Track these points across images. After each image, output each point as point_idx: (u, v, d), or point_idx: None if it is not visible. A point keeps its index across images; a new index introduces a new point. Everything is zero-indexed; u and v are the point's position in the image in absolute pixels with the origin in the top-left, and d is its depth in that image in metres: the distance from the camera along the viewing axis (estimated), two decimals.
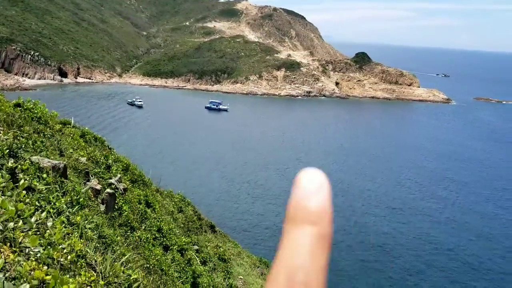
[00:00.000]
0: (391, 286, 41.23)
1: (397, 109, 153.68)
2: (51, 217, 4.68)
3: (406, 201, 63.74)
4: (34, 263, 3.42)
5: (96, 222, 6.41)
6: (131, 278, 5.08)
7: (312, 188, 0.66)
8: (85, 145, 11.91)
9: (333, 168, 77.60)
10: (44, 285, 3.25)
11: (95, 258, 4.64)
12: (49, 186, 5.70)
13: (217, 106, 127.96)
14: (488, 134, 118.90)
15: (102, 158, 11.35)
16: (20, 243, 3.56)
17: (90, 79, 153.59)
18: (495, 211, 62.89)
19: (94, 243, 5.20)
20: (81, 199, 6.48)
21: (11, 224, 3.66)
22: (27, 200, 4.58)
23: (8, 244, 3.48)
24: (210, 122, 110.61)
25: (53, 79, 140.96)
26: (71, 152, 9.51)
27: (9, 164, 5.13)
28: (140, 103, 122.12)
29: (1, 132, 6.36)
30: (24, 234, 3.70)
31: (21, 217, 3.92)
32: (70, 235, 4.55)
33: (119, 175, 10.98)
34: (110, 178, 10.45)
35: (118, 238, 7.26)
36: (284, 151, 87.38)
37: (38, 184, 5.36)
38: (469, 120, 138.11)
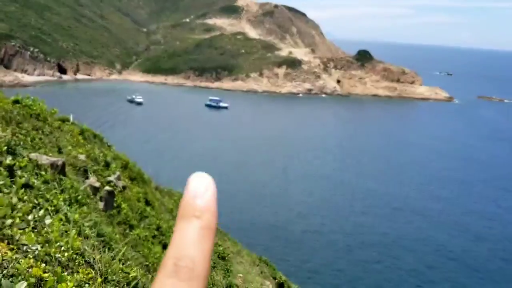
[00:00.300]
0: (391, 286, 41.23)
1: (399, 107, 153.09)
2: (49, 214, 4.66)
3: (406, 201, 63.43)
4: (32, 260, 3.42)
5: (95, 219, 6.40)
6: (130, 276, 5.07)
7: (199, 190, 0.78)
8: (84, 142, 11.89)
9: (333, 167, 77.61)
10: (42, 283, 3.24)
11: (93, 255, 4.63)
12: (47, 184, 5.68)
13: (217, 103, 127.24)
14: (491, 133, 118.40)
15: (101, 155, 11.33)
16: (18, 240, 3.56)
17: (89, 75, 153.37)
18: (497, 211, 62.51)
19: (92, 241, 5.18)
20: (80, 196, 6.47)
21: (8, 221, 3.65)
22: (25, 197, 4.57)
23: (6, 241, 3.47)
24: (210, 120, 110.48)
25: (53, 75, 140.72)
26: (70, 149, 9.49)
27: (7, 161, 5.12)
28: (139, 100, 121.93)
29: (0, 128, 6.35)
30: (21, 231, 3.69)
31: (19, 214, 3.90)
32: (68, 232, 4.54)
33: (118, 173, 10.98)
34: (109, 176, 10.44)
35: (117, 236, 7.25)
36: (284, 149, 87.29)
37: (36, 181, 5.35)
38: (472, 119, 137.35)
